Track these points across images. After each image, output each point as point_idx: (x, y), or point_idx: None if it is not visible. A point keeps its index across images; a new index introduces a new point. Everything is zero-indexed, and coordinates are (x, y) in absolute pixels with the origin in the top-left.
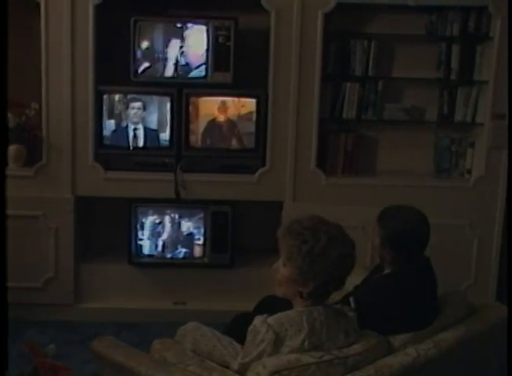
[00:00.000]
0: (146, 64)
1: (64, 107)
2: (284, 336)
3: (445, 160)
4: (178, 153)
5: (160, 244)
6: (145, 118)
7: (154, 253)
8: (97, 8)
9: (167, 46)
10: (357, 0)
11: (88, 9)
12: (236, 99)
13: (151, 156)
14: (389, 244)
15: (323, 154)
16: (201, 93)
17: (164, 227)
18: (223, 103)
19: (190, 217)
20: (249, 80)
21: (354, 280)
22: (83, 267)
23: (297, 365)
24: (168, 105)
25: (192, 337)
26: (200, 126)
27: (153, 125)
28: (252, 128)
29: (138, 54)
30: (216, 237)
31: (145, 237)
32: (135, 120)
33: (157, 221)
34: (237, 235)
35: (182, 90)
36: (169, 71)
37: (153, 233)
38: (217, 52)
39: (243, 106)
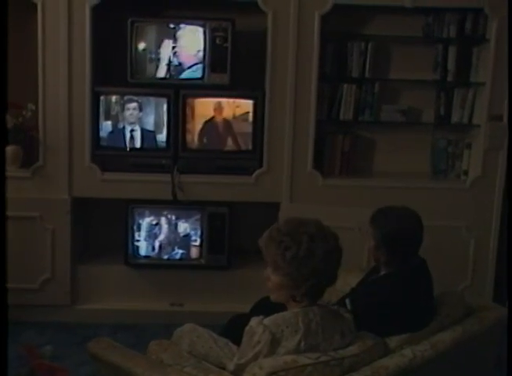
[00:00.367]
0: (143, 65)
1: (61, 108)
2: (280, 337)
3: (442, 161)
4: (175, 155)
5: (157, 245)
6: (141, 119)
7: (151, 254)
8: (94, 9)
9: (159, 46)
10: (354, 1)
11: (84, 10)
12: (230, 99)
13: (148, 157)
14: (383, 245)
15: (320, 155)
16: (198, 94)
17: (160, 228)
18: (219, 103)
19: (187, 218)
20: (246, 81)
21: (350, 281)
22: (80, 268)
23: (294, 366)
24: (165, 106)
25: (188, 338)
26: (196, 126)
27: (150, 126)
28: (247, 128)
29: (135, 55)
30: (213, 239)
31: (141, 238)
32: (132, 121)
33: (154, 222)
34: (234, 236)
35: (178, 91)
36: (162, 72)
37: (150, 235)
38: (214, 53)
39: (237, 106)
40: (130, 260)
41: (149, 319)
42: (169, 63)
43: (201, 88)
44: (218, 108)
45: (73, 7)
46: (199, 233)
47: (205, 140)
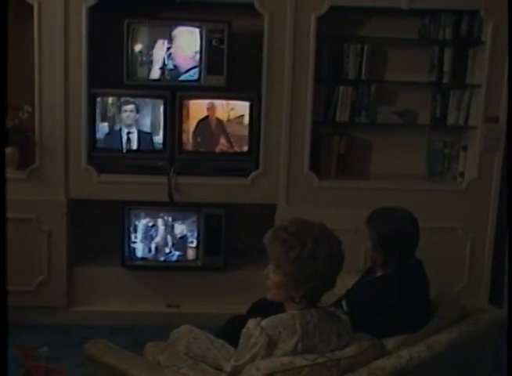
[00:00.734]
0: (139, 67)
1: (57, 110)
2: (277, 339)
3: (438, 163)
4: (172, 156)
5: (154, 246)
6: (138, 121)
7: (147, 256)
8: (91, 10)
9: (152, 48)
10: (350, 3)
11: (81, 11)
12: (224, 102)
13: (144, 159)
14: (380, 246)
15: (317, 157)
16: (195, 96)
17: (157, 230)
18: (211, 103)
19: (183, 220)
20: (242, 83)
21: (346, 282)
22: (76, 270)
23: (291, 367)
24: (162, 108)
25: (185, 340)
26: (191, 127)
27: (147, 128)
28: (242, 131)
29: (132, 57)
30: (209, 240)
31: (138, 240)
32: (129, 123)
33: (151, 224)
34: (230, 238)
35: (175, 93)
36: (157, 73)
37: (147, 236)
38: (210, 55)
39: (232, 109)
40: (126, 262)
41: (146, 321)
42: (165, 65)
43: (197, 89)
44: (211, 108)
45: (70, 8)
46: (195, 234)
47: (199, 139)
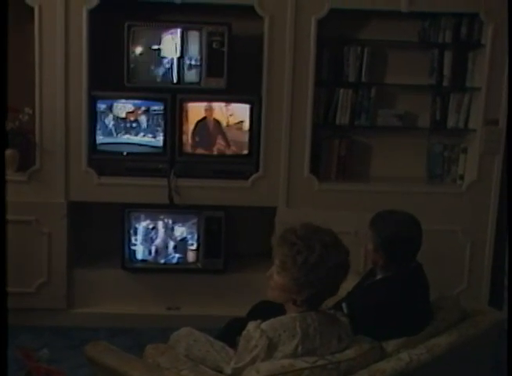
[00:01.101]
0: (139, 69)
1: (58, 112)
2: (277, 341)
3: (438, 165)
4: (172, 159)
5: (154, 249)
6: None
7: (147, 258)
8: (91, 12)
9: (153, 50)
10: (350, 6)
11: (81, 14)
12: (224, 107)
13: (144, 161)
14: (382, 249)
15: (317, 160)
16: (195, 99)
17: (157, 232)
18: (209, 105)
19: (183, 222)
20: (242, 85)
21: (346, 285)
22: (76, 272)
23: (291, 370)
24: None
25: (185, 342)
26: (191, 129)
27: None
28: (240, 137)
29: (132, 59)
30: (209, 243)
31: (138, 242)
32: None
33: (151, 226)
34: (230, 240)
35: (175, 95)
36: (158, 76)
37: (147, 239)
38: (210, 57)
39: (231, 115)
40: (126, 264)
41: (146, 323)
42: (165, 68)
43: (198, 92)
44: (209, 109)
45: (70, 10)
46: (195, 237)
47: (197, 138)
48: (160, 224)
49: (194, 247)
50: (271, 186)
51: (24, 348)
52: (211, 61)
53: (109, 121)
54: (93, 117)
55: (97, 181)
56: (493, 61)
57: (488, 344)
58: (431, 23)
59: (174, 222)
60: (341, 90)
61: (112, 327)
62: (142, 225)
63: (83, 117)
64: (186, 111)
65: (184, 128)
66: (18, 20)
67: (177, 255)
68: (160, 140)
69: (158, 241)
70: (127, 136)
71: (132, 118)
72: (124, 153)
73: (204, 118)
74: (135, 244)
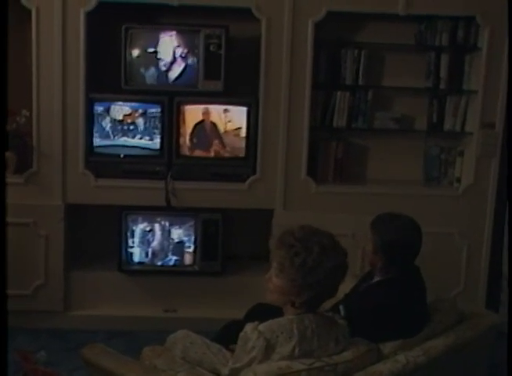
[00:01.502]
0: (137, 72)
1: (55, 114)
2: (275, 343)
3: (435, 168)
4: (169, 161)
5: (151, 251)
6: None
7: (144, 260)
8: (88, 15)
9: (153, 53)
10: (347, 9)
11: (79, 16)
12: (222, 112)
13: (142, 164)
14: (382, 251)
15: (314, 162)
16: (192, 101)
17: (154, 235)
18: (206, 108)
19: (181, 225)
20: (240, 88)
21: (344, 287)
22: (73, 274)
23: (288, 372)
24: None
25: (182, 344)
26: (188, 131)
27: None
28: (238, 143)
29: (129, 62)
30: (206, 245)
31: (135, 245)
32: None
33: (148, 228)
34: (227, 243)
35: (172, 98)
36: (155, 78)
37: (144, 241)
38: (208, 60)
39: (229, 121)
40: (123, 266)
41: (143, 326)
42: (162, 70)
43: (195, 95)
44: (206, 112)
45: (68, 13)
46: (192, 239)
47: (195, 140)
48: (157, 226)
49: (191, 249)
50: (268, 188)
51: (22, 350)
52: (209, 64)
53: (107, 124)
54: (90, 120)
55: (94, 183)
56: (490, 64)
57: (485, 346)
58: (428, 26)
59: (171, 225)
60: (338, 93)
61: (109, 330)
62: (139, 228)
63: (80, 119)
64: (183, 114)
65: (181, 130)
66: (15, 22)
67: (174, 258)
68: (157, 143)
69: (155, 244)
70: (124, 139)
71: (129, 121)
72: (122, 156)
73: (202, 121)
74: (132, 247)
